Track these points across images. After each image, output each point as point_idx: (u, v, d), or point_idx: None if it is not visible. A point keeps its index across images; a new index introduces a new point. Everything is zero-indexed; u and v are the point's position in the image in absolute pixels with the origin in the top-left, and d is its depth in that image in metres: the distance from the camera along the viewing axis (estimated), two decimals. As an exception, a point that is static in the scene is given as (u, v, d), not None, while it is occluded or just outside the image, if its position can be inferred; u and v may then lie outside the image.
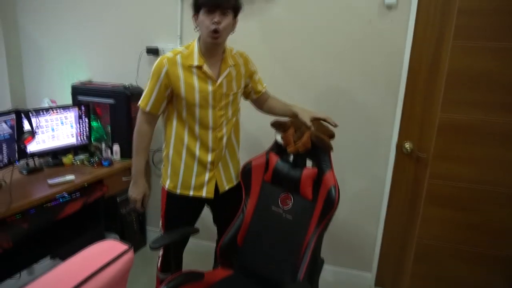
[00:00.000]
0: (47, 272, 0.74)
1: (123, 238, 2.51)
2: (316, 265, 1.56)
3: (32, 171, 2.09)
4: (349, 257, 2.38)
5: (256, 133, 2.32)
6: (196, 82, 1.58)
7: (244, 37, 2.25)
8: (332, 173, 1.61)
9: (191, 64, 1.56)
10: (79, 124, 2.32)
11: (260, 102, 1.88)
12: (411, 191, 2.18)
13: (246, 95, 1.85)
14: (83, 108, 2.32)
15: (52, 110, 2.16)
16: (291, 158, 1.75)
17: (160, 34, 2.39)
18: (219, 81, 1.61)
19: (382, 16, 2.00)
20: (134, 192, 1.74)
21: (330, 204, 1.52)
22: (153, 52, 2.38)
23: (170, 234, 1.67)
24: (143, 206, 1.79)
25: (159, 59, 1.58)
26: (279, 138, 1.71)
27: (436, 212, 2.15)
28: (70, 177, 2.00)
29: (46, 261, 2.49)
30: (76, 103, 2.43)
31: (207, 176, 1.70)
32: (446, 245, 2.17)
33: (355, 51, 2.09)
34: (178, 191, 1.71)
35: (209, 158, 1.68)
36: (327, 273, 2.39)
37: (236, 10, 1.56)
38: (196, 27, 1.57)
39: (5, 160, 1.92)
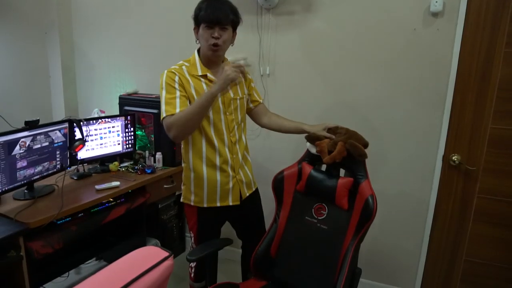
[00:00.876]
0: (93, 274, 0.77)
1: (163, 244, 2.58)
2: (354, 275, 1.54)
3: (81, 176, 2.22)
4: (391, 273, 2.28)
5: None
6: (205, 87, 1.63)
7: (285, 49, 2.27)
8: (368, 182, 1.59)
9: (196, 74, 1.63)
10: (125, 133, 2.43)
11: (259, 114, 1.87)
12: (459, 206, 2.06)
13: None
14: (129, 117, 2.44)
15: (101, 120, 2.29)
16: (324, 167, 1.73)
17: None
18: None
19: (428, 24, 1.93)
20: (220, 80, 1.57)
21: (368, 214, 1.51)
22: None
23: (205, 246, 1.68)
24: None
25: (165, 72, 1.61)
26: (312, 149, 1.70)
27: (485, 230, 2.02)
28: (116, 183, 2.09)
29: (92, 262, 2.62)
30: (123, 113, 2.56)
31: (231, 184, 1.72)
32: (497, 265, 2.02)
33: (399, 61, 2.03)
34: (205, 204, 1.72)
35: (229, 163, 1.70)
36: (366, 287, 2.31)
37: (235, 24, 1.62)
38: (196, 40, 1.65)
39: (58, 165, 2.05)
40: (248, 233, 1.93)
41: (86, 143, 2.17)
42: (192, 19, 1.63)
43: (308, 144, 1.73)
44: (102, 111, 2.77)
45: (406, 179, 2.13)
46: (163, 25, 2.59)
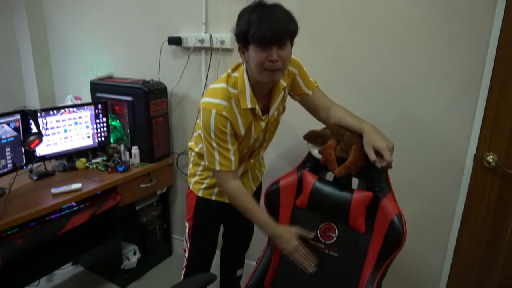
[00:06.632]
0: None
1: (144, 249, 2.29)
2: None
3: (42, 176, 1.92)
4: (405, 291, 1.92)
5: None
6: (252, 125, 1.35)
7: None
8: (392, 197, 1.24)
9: (245, 107, 1.30)
10: (96, 124, 2.10)
11: (311, 107, 1.46)
12: (492, 216, 1.66)
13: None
14: (99, 106, 2.10)
15: (64, 110, 1.96)
16: (331, 175, 1.35)
17: (183, 22, 2.08)
18: (270, 113, 1.37)
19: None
20: (285, 243, 1.31)
21: (395, 241, 1.19)
22: (175, 42, 2.07)
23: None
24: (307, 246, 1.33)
25: (214, 112, 1.25)
26: (316, 152, 1.32)
27: (527, 246, 1.63)
28: (77, 185, 1.78)
29: (68, 267, 2.37)
30: (95, 100, 2.23)
31: None
32: (540, 289, 1.64)
33: (420, 31, 1.59)
34: (200, 194, 1.53)
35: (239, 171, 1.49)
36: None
37: (294, 35, 1.23)
38: (244, 62, 1.28)
39: (9, 165, 1.75)
40: (233, 234, 1.78)
41: (46, 137, 1.86)
42: (234, 35, 1.24)
43: (309, 145, 1.35)
44: (77, 98, 2.45)
45: (428, 182, 1.73)
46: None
